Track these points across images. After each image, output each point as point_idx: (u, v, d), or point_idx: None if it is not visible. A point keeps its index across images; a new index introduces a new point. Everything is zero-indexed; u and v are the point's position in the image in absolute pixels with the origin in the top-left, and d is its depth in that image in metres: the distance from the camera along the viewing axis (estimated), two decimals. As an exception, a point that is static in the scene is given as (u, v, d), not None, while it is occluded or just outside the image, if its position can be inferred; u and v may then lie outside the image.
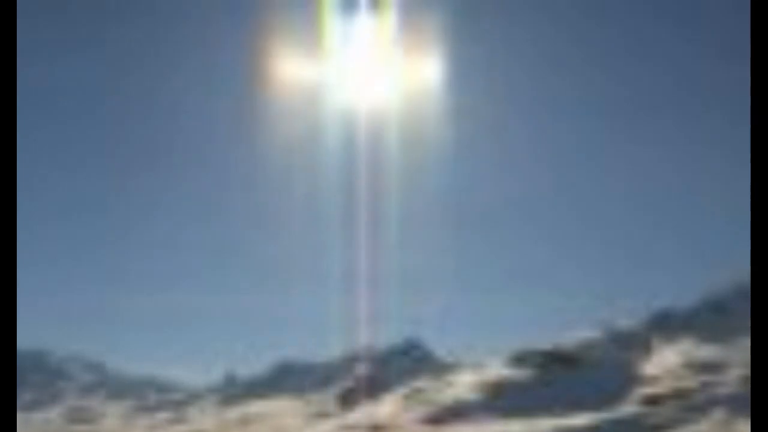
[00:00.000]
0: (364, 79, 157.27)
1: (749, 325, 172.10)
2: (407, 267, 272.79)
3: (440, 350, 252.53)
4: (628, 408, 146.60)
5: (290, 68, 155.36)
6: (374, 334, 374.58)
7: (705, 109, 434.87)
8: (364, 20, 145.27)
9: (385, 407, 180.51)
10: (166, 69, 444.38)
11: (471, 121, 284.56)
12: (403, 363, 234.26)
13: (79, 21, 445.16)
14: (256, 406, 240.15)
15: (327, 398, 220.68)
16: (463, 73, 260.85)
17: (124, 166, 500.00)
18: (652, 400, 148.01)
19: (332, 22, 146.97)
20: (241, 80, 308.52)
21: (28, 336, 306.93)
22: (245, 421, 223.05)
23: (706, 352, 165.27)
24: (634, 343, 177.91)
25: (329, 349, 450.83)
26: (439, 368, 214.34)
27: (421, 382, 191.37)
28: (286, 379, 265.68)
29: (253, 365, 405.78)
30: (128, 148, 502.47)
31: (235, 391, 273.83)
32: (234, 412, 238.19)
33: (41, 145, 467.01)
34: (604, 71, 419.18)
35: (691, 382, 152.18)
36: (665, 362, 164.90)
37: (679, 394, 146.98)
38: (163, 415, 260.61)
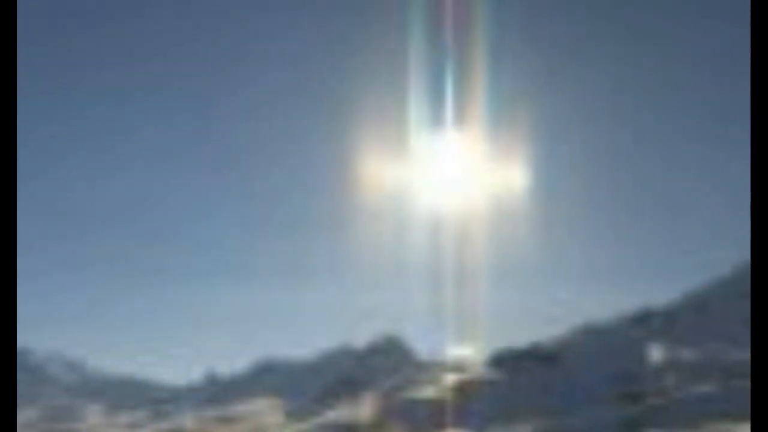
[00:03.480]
0: (451, 184, 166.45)
1: (729, 324, 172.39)
2: (391, 265, 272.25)
3: (421, 348, 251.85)
4: (608, 406, 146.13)
5: (380, 172, 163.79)
6: (355, 332, 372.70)
7: (686, 108, 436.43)
8: (451, 130, 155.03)
9: (365, 406, 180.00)
10: (263, 167, 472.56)
11: (556, 224, 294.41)
12: (383, 361, 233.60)
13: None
14: (236, 405, 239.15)
15: (307, 397, 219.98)
16: (547, 180, 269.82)
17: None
18: (633, 399, 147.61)
19: (420, 132, 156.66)
20: (333, 181, 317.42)
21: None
22: (226, 419, 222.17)
23: (687, 350, 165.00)
24: (614, 341, 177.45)
25: (309, 348, 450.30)
26: (420, 367, 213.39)
27: (401, 382, 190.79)
28: (266, 377, 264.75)
29: (234, 364, 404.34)
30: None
31: (216, 389, 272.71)
32: (215, 411, 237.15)
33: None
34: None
35: (671, 380, 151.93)
36: (645, 360, 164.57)
37: (659, 393, 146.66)
38: (143, 415, 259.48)
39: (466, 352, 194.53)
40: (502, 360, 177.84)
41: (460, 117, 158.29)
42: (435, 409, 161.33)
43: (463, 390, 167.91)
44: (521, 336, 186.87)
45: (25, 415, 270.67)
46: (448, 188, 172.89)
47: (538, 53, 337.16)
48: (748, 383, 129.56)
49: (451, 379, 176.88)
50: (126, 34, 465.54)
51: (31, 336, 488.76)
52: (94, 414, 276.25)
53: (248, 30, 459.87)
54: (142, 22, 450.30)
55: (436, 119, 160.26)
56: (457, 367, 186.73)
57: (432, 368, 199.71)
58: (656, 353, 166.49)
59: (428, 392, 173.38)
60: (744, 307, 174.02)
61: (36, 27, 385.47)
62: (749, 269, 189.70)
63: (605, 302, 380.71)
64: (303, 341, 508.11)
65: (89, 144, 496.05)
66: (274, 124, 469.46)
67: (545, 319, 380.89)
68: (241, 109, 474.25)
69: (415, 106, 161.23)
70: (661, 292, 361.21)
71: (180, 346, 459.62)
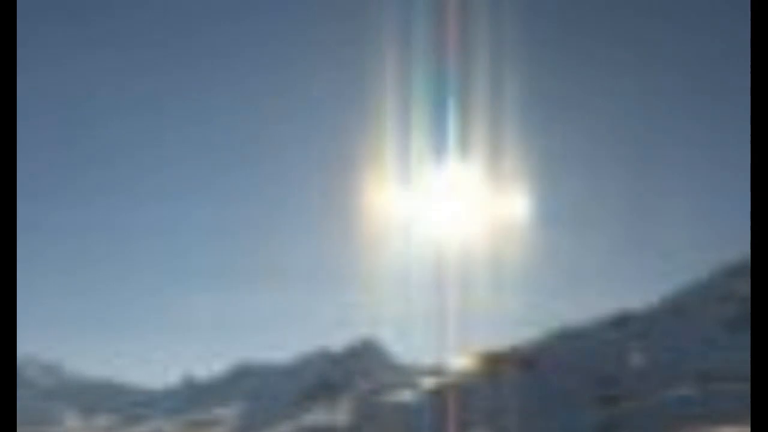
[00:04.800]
0: (453, 214, 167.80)
1: (706, 327, 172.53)
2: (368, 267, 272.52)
3: (399, 351, 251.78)
4: (586, 410, 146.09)
5: (383, 201, 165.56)
6: (332, 335, 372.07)
7: (665, 110, 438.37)
8: (453, 161, 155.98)
9: (342, 410, 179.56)
10: (272, 198, 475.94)
11: (558, 254, 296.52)
12: (360, 365, 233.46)
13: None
14: (213, 409, 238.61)
15: (284, 400, 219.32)
16: (549, 210, 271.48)
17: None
18: (610, 402, 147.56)
19: (423, 162, 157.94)
20: (335, 210, 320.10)
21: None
22: (203, 423, 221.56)
23: (664, 354, 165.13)
24: (591, 344, 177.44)
25: (287, 351, 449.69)
26: (397, 370, 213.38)
27: (378, 385, 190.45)
28: (243, 381, 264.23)
29: (212, 367, 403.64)
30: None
31: (193, 393, 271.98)
32: (192, 415, 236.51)
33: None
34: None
35: (648, 384, 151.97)
36: (623, 364, 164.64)
37: (636, 396, 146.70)
38: (120, 419, 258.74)
39: (444, 355, 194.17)
40: (480, 364, 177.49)
41: (463, 147, 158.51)
42: (412, 413, 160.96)
43: (440, 394, 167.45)
44: (499, 340, 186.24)
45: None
46: (449, 217, 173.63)
47: (542, 83, 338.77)
48: (725, 386, 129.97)
49: (428, 382, 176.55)
50: (114, 28, 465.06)
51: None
52: (71, 418, 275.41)
53: (257, 61, 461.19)
54: (128, 17, 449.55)
55: (438, 149, 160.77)
56: (435, 370, 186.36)
57: (409, 372, 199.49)
58: (634, 357, 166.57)
59: (406, 396, 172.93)
60: (721, 311, 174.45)
61: (31, 14, 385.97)
62: (726, 273, 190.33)
63: (582, 306, 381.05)
64: (281, 344, 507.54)
65: (64, 143, 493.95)
66: (271, 149, 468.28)
67: (522, 323, 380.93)
68: (241, 121, 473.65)
69: (417, 137, 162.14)
70: (638, 296, 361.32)
71: (157, 349, 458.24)
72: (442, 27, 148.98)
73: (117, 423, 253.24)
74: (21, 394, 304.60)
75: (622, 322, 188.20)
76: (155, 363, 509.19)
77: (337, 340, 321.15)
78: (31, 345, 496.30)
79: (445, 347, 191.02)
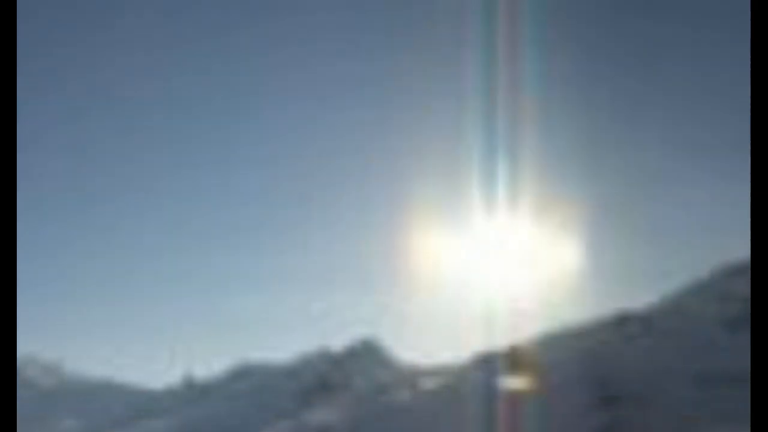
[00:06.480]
0: (504, 266, 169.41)
1: (706, 327, 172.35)
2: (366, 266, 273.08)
3: (399, 351, 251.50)
4: (585, 411, 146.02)
5: (435, 253, 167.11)
6: (332, 335, 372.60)
7: (666, 111, 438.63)
8: (503, 212, 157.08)
9: (341, 410, 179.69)
10: (272, 199, 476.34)
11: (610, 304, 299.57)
12: (359, 364, 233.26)
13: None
14: (214, 408, 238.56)
15: (283, 400, 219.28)
16: (599, 257, 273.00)
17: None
18: (609, 403, 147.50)
19: (474, 217, 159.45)
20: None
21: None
22: (203, 422, 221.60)
23: (664, 354, 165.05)
24: (590, 345, 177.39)
25: (287, 351, 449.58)
26: (397, 370, 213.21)
27: (377, 385, 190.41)
28: (244, 379, 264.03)
29: (212, 367, 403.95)
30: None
31: (194, 392, 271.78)
32: (192, 414, 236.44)
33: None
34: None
35: (648, 384, 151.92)
36: (622, 365, 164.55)
37: (636, 397, 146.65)
38: (121, 418, 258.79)
39: (443, 356, 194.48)
40: (479, 364, 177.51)
41: (512, 197, 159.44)
42: (412, 413, 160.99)
43: (439, 394, 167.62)
44: (497, 340, 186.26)
45: None
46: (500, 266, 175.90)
47: (589, 133, 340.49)
48: (725, 386, 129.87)
49: (428, 382, 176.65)
50: (124, 30, 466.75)
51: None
52: (71, 419, 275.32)
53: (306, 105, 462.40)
54: (136, 19, 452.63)
55: (488, 200, 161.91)
56: (434, 370, 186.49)
57: (409, 372, 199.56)
58: (633, 357, 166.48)
59: (405, 396, 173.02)
60: (721, 311, 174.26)
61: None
62: (726, 273, 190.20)
63: (582, 306, 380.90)
64: (281, 344, 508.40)
65: (69, 142, 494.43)
66: (274, 150, 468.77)
67: (521, 323, 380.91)
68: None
69: (468, 187, 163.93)
70: (638, 296, 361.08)
71: (158, 349, 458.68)
72: (493, 71, 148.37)
73: (117, 423, 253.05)
74: (21, 394, 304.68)
75: (621, 322, 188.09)
76: (155, 363, 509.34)
77: (337, 340, 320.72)
78: (31, 345, 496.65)
79: (444, 347, 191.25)
